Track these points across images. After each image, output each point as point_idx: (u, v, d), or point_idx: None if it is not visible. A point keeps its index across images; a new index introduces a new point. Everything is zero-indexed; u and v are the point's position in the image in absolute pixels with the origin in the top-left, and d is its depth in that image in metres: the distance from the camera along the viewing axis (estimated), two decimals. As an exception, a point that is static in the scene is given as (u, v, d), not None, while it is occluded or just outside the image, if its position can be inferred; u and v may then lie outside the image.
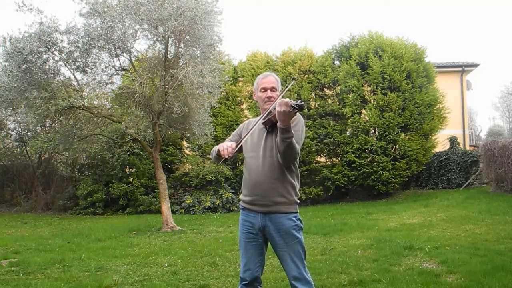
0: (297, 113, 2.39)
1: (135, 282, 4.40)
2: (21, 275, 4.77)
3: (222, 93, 11.54)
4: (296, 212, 2.56)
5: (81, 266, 5.21)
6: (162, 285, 4.22)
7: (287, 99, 2.23)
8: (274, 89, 2.64)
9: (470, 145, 17.84)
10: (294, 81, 2.84)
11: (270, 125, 2.52)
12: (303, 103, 2.27)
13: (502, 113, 43.28)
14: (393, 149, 12.63)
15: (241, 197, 2.69)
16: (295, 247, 2.50)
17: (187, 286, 4.23)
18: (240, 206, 2.69)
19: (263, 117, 2.51)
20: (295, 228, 2.52)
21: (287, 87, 2.70)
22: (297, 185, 2.57)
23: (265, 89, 2.63)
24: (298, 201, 2.59)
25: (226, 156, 2.39)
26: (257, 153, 2.55)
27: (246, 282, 2.57)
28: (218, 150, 2.51)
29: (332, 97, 13.17)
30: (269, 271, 4.61)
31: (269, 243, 2.63)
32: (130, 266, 5.18)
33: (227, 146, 2.42)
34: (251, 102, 13.30)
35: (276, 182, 2.48)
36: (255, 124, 2.56)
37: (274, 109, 2.43)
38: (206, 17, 7.71)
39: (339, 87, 12.96)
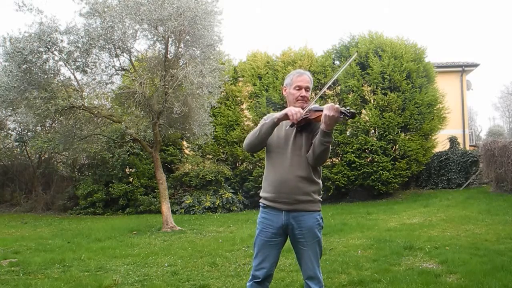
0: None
1: (135, 282, 4.40)
2: (21, 275, 4.76)
3: (222, 93, 11.54)
4: (319, 211, 2.57)
5: (81, 266, 5.21)
6: (162, 285, 4.22)
7: (337, 105, 2.25)
8: (308, 89, 2.62)
9: (470, 145, 17.83)
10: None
11: (302, 125, 2.51)
12: (354, 111, 2.27)
13: (502, 113, 43.28)
14: (393, 149, 12.62)
15: (262, 194, 2.63)
16: (314, 247, 2.52)
17: (187, 286, 4.23)
18: (260, 204, 2.65)
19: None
20: (317, 227, 2.53)
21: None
22: (321, 184, 2.58)
23: (300, 88, 2.60)
24: (321, 200, 2.60)
25: (295, 121, 2.38)
26: (284, 150, 2.52)
27: (259, 280, 2.55)
28: (286, 115, 2.40)
29: (332, 97, 13.15)
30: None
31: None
32: (130, 266, 5.18)
33: (295, 111, 2.38)
34: (251, 102, 13.29)
35: (302, 181, 2.48)
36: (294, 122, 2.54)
37: (311, 111, 2.44)
38: (206, 17, 7.71)
39: (339, 87, 12.95)
